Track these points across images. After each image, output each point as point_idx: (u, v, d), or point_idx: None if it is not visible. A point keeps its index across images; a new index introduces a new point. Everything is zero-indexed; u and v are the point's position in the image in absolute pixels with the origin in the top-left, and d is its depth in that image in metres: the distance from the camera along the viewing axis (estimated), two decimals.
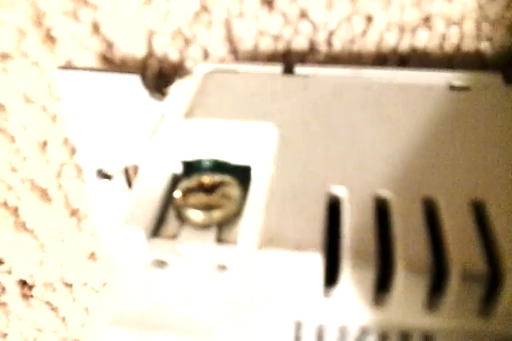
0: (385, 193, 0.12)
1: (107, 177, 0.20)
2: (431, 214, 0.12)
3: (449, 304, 0.11)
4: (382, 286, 0.11)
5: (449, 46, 0.19)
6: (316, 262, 0.11)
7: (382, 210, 0.12)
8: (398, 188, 0.12)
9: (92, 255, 0.26)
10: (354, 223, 0.11)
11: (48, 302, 0.28)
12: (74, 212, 0.24)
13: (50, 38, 0.20)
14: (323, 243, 0.11)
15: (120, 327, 0.13)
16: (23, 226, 0.25)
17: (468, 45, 0.19)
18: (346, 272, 0.11)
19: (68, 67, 0.19)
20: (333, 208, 0.12)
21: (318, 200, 0.12)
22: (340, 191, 0.12)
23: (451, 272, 0.10)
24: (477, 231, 0.11)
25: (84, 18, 0.19)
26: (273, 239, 0.11)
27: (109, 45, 0.20)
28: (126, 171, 0.20)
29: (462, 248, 0.11)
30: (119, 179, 0.20)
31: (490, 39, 0.19)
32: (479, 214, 0.12)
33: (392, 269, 0.11)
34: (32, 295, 0.28)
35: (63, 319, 0.29)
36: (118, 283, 0.14)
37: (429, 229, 0.11)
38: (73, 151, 0.22)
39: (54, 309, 0.29)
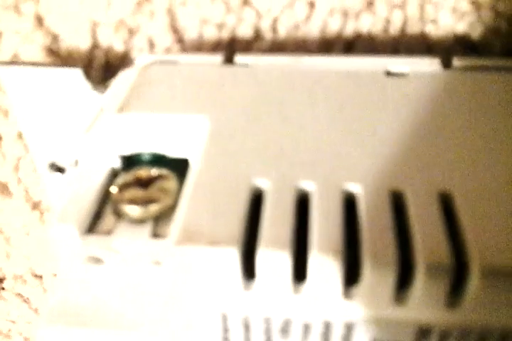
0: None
1: (60, 170, 0.20)
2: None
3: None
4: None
5: (393, 30, 0.19)
6: (232, 256, 0.11)
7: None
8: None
9: None
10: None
11: (19, 294, 0.29)
12: (36, 205, 0.24)
13: None
14: (241, 237, 0.11)
15: (57, 324, 0.13)
16: None
17: (413, 29, 0.19)
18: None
19: (11, 62, 0.19)
20: (258, 200, 0.12)
21: (240, 194, 0.12)
22: (263, 183, 0.12)
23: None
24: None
25: (27, 11, 0.19)
26: (190, 235, 0.11)
27: (54, 38, 0.20)
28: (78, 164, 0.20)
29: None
30: (71, 172, 0.20)
31: (434, 21, 0.19)
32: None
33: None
34: (3, 288, 0.28)
35: (36, 310, 0.29)
36: (56, 278, 0.14)
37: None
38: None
39: (26, 300, 0.29)
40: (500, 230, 0.11)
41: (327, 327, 0.12)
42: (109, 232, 0.13)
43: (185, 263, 0.11)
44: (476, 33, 0.19)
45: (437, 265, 0.10)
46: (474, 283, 0.10)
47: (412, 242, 0.11)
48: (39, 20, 0.19)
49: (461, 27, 0.19)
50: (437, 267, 0.10)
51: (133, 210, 0.13)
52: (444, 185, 0.12)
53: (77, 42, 0.20)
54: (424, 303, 0.11)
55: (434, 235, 0.11)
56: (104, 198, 0.14)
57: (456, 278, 0.11)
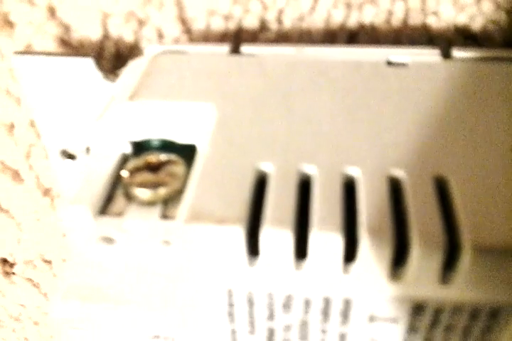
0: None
1: (71, 157, 0.21)
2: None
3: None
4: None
5: (395, 21, 0.19)
6: (237, 234, 0.11)
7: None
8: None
9: None
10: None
11: (29, 279, 0.29)
12: (46, 192, 0.25)
13: (8, 23, 0.20)
14: (246, 216, 0.12)
15: (72, 300, 0.14)
16: None
17: (414, 20, 0.19)
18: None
19: (25, 52, 0.19)
20: (262, 183, 0.13)
21: (245, 177, 0.12)
22: (267, 167, 0.13)
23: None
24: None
25: (39, 2, 0.20)
26: (198, 214, 0.12)
27: (66, 29, 0.20)
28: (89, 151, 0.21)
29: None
30: (83, 158, 0.21)
31: (435, 13, 0.19)
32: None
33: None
34: (14, 273, 0.29)
35: (45, 294, 0.30)
36: (70, 258, 0.14)
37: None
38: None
39: (36, 285, 0.30)
40: (491, 211, 0.12)
41: (327, 303, 0.12)
42: (120, 214, 0.14)
43: (193, 242, 0.12)
44: (477, 24, 0.19)
45: (431, 243, 0.11)
46: (466, 260, 0.11)
47: (408, 223, 0.11)
48: (51, 12, 0.20)
49: (461, 19, 0.19)
50: (431, 245, 0.11)
51: (143, 193, 0.14)
52: (440, 169, 0.13)
53: (89, 32, 0.20)
54: (418, 279, 0.11)
55: (429, 216, 0.11)
56: (116, 182, 0.15)
57: (449, 256, 0.11)
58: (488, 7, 0.19)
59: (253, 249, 0.12)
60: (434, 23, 0.19)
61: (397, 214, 0.12)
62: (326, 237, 0.11)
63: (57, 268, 0.29)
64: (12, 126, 0.23)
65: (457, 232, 0.11)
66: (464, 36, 0.20)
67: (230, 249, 0.12)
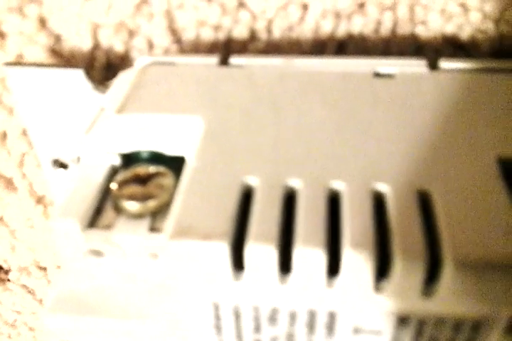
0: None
1: (63, 166, 0.21)
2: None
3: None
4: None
5: (384, 31, 0.19)
6: (222, 250, 0.12)
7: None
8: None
9: None
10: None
11: (24, 286, 0.30)
12: (40, 200, 0.25)
13: None
14: (231, 232, 0.12)
15: (60, 312, 0.14)
16: None
17: (403, 30, 0.19)
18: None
19: (16, 63, 0.19)
20: (247, 197, 0.13)
21: (231, 191, 0.13)
22: (253, 181, 0.13)
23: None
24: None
25: (30, 13, 0.20)
26: (184, 230, 0.12)
27: (57, 39, 0.20)
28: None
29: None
30: (74, 168, 0.21)
31: (423, 23, 0.19)
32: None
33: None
34: (9, 279, 0.29)
35: (40, 301, 0.30)
36: (61, 270, 0.15)
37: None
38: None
39: (31, 292, 0.30)
40: (473, 226, 0.12)
41: (312, 316, 0.12)
42: (109, 227, 0.14)
43: (179, 256, 0.12)
44: (465, 34, 0.19)
45: (413, 257, 0.11)
46: (447, 274, 0.11)
47: (391, 236, 0.12)
48: (42, 22, 0.20)
49: (449, 28, 0.19)
50: (413, 259, 0.11)
51: (132, 206, 0.14)
52: (424, 183, 0.13)
53: (79, 43, 0.20)
54: (401, 292, 0.12)
55: (412, 230, 0.12)
56: (105, 194, 0.15)
57: (431, 270, 0.11)
58: (475, 17, 0.19)
59: (238, 264, 0.12)
60: (422, 32, 0.19)
61: (380, 228, 0.12)
62: (309, 253, 0.11)
63: (51, 275, 0.29)
64: (5, 135, 0.23)
65: (439, 246, 0.11)
66: (453, 45, 0.20)
67: (216, 263, 0.12)
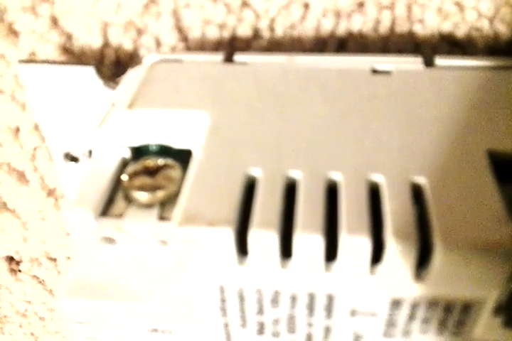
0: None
1: (74, 159, 0.22)
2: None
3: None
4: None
5: (383, 29, 0.20)
6: (227, 236, 0.12)
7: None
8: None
9: None
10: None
11: (34, 276, 0.30)
12: (51, 192, 0.26)
13: (13, 32, 0.21)
14: (235, 219, 0.13)
15: (75, 297, 0.15)
16: (4, 206, 0.27)
17: (401, 28, 0.20)
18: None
19: (29, 60, 0.20)
20: (251, 187, 0.14)
21: (236, 181, 0.13)
22: (256, 172, 0.14)
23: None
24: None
25: (42, 12, 0.21)
26: (191, 217, 0.13)
27: (68, 37, 0.21)
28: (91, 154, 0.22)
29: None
30: (85, 161, 0.22)
31: (421, 21, 0.20)
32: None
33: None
34: (20, 270, 0.30)
35: (50, 291, 0.31)
36: (73, 258, 0.15)
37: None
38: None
39: (41, 282, 0.31)
40: (463, 212, 0.13)
41: (311, 298, 0.13)
42: (120, 216, 0.15)
43: (187, 243, 0.13)
44: (461, 31, 0.20)
45: (405, 242, 0.12)
46: (438, 258, 0.12)
47: (385, 223, 0.12)
48: (54, 21, 0.21)
49: (446, 26, 0.20)
50: (405, 243, 0.12)
51: (142, 196, 0.15)
52: (417, 173, 0.14)
53: (90, 41, 0.21)
54: (395, 276, 0.12)
55: (404, 217, 0.12)
56: (116, 185, 0.16)
57: (423, 255, 0.12)
58: (471, 15, 0.20)
59: (242, 249, 0.13)
60: (420, 30, 0.20)
61: (375, 215, 0.13)
62: (308, 239, 0.12)
63: (61, 266, 0.30)
64: (17, 130, 0.24)
65: (430, 232, 0.12)
66: (449, 43, 0.20)
67: (221, 249, 0.13)
